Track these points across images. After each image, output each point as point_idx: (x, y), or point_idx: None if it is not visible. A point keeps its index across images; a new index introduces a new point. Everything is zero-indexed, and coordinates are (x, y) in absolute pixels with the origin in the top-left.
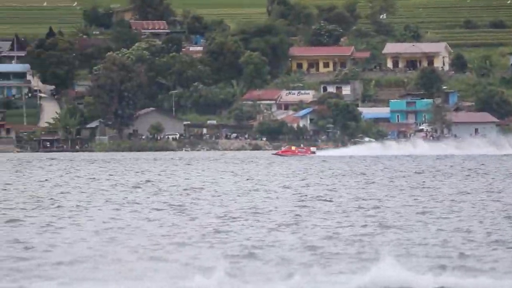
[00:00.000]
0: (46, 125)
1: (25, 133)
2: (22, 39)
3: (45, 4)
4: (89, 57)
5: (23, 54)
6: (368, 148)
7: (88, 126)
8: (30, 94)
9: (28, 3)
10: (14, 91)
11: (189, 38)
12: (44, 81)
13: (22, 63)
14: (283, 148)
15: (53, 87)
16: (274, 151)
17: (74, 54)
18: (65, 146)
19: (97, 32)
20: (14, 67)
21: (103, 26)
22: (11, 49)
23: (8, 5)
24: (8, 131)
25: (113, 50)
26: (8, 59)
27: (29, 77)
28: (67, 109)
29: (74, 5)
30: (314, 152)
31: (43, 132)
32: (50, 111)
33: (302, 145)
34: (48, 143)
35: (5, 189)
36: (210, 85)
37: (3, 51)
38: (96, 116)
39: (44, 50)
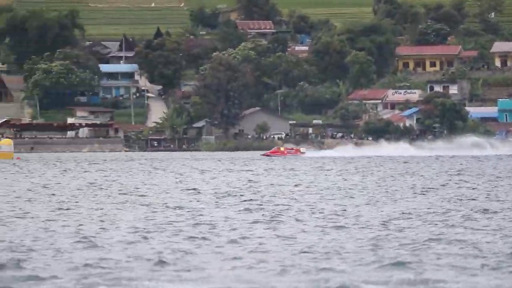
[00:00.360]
0: (154, 124)
1: (133, 133)
2: (130, 39)
3: (153, 5)
4: (196, 57)
5: (131, 55)
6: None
7: (195, 125)
8: (138, 94)
9: (136, 4)
10: (122, 91)
11: (295, 38)
12: (151, 81)
13: (130, 63)
14: (272, 149)
15: (160, 87)
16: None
17: (181, 54)
18: (172, 146)
19: (204, 32)
20: (122, 67)
21: (210, 26)
22: (120, 50)
23: (117, 6)
24: (116, 130)
25: (220, 50)
26: (117, 59)
27: (137, 77)
28: (174, 109)
29: (181, 5)
30: (303, 153)
31: (150, 132)
32: (157, 111)
33: (308, 146)
34: (156, 142)
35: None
36: (315, 84)
37: (111, 52)
38: (203, 116)
39: (151, 51)
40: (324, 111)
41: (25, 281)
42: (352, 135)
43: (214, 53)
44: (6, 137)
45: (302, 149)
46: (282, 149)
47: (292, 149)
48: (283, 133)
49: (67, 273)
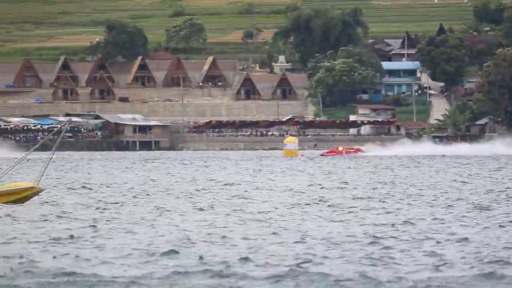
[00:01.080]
0: (436, 121)
1: (415, 130)
2: (413, 36)
3: (436, 1)
4: (479, 53)
5: (413, 52)
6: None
7: (478, 123)
8: (419, 91)
9: (419, 1)
10: (404, 88)
11: None
12: (433, 78)
13: (413, 61)
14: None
15: (442, 84)
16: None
17: (464, 51)
18: (453, 143)
19: (488, 28)
20: (404, 64)
21: (494, 22)
22: (402, 47)
23: (400, 4)
24: (398, 127)
25: (504, 46)
26: (399, 56)
27: (419, 74)
28: (456, 106)
29: (464, 1)
30: (364, 152)
31: (432, 129)
32: (439, 108)
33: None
34: (437, 139)
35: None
36: None
37: (394, 49)
38: (486, 113)
39: (434, 47)
40: None
41: None
42: None
43: (498, 49)
44: (291, 135)
45: (363, 148)
46: (340, 149)
47: (351, 148)
48: None
49: None
